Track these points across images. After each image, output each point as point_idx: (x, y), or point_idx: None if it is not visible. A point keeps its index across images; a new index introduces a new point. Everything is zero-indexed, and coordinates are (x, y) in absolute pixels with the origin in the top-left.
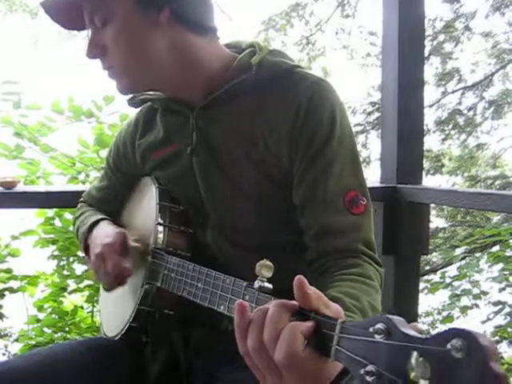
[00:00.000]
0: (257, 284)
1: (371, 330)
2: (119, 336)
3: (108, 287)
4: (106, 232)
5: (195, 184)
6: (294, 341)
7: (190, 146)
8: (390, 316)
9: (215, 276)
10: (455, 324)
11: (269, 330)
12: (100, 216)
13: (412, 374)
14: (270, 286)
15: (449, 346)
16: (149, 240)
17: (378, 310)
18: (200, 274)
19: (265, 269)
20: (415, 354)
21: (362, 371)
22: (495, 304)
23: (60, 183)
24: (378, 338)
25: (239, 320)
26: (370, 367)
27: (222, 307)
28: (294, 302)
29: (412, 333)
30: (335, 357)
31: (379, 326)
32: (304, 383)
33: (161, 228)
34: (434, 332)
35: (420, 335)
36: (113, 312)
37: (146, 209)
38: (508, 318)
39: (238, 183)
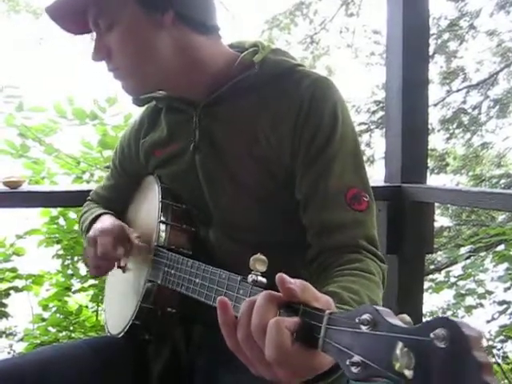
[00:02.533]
0: (250, 278)
1: (357, 320)
2: (122, 333)
3: (92, 270)
4: (106, 221)
5: (198, 182)
6: (280, 336)
7: (193, 143)
8: (377, 307)
9: (212, 271)
10: None
11: (255, 320)
12: (104, 211)
13: (397, 365)
14: (263, 280)
15: (432, 335)
16: (151, 238)
17: (379, 304)
18: (198, 269)
19: (259, 263)
20: (400, 344)
21: (347, 362)
22: (500, 303)
23: (65, 183)
24: (364, 328)
25: (223, 317)
26: (355, 358)
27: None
28: (281, 295)
29: (398, 323)
30: (322, 348)
31: (365, 316)
32: (295, 374)
33: (163, 226)
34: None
35: (405, 325)
36: (117, 310)
37: (149, 207)
38: None
39: (240, 180)
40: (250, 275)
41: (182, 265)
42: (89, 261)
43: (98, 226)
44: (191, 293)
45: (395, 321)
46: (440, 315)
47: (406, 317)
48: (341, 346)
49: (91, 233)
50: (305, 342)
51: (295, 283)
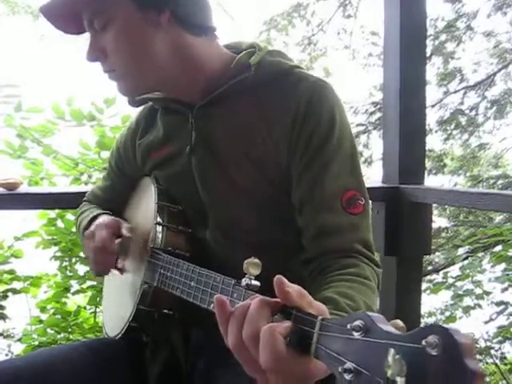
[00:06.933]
0: (244, 282)
1: (349, 326)
2: (120, 335)
3: (93, 266)
4: (102, 218)
5: (194, 183)
6: (274, 343)
7: (189, 145)
8: (369, 313)
9: (206, 274)
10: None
11: (248, 328)
12: (100, 211)
13: (389, 372)
14: (257, 283)
15: (424, 342)
16: (148, 240)
17: (374, 310)
18: (193, 272)
19: (252, 266)
20: (392, 351)
21: (340, 369)
22: (498, 304)
23: (63, 184)
24: (356, 335)
25: (220, 315)
26: (348, 365)
27: (212, 305)
28: (275, 300)
29: (390, 330)
30: (315, 354)
31: (357, 322)
32: (290, 381)
33: (159, 228)
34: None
35: (397, 332)
36: (114, 312)
37: (145, 208)
38: (511, 318)
39: (236, 182)
40: (243, 279)
41: (177, 267)
42: (89, 259)
43: (94, 223)
44: (186, 296)
45: (387, 327)
46: (432, 323)
47: (399, 322)
48: (333, 353)
49: (88, 230)
50: (298, 347)
51: (293, 288)
